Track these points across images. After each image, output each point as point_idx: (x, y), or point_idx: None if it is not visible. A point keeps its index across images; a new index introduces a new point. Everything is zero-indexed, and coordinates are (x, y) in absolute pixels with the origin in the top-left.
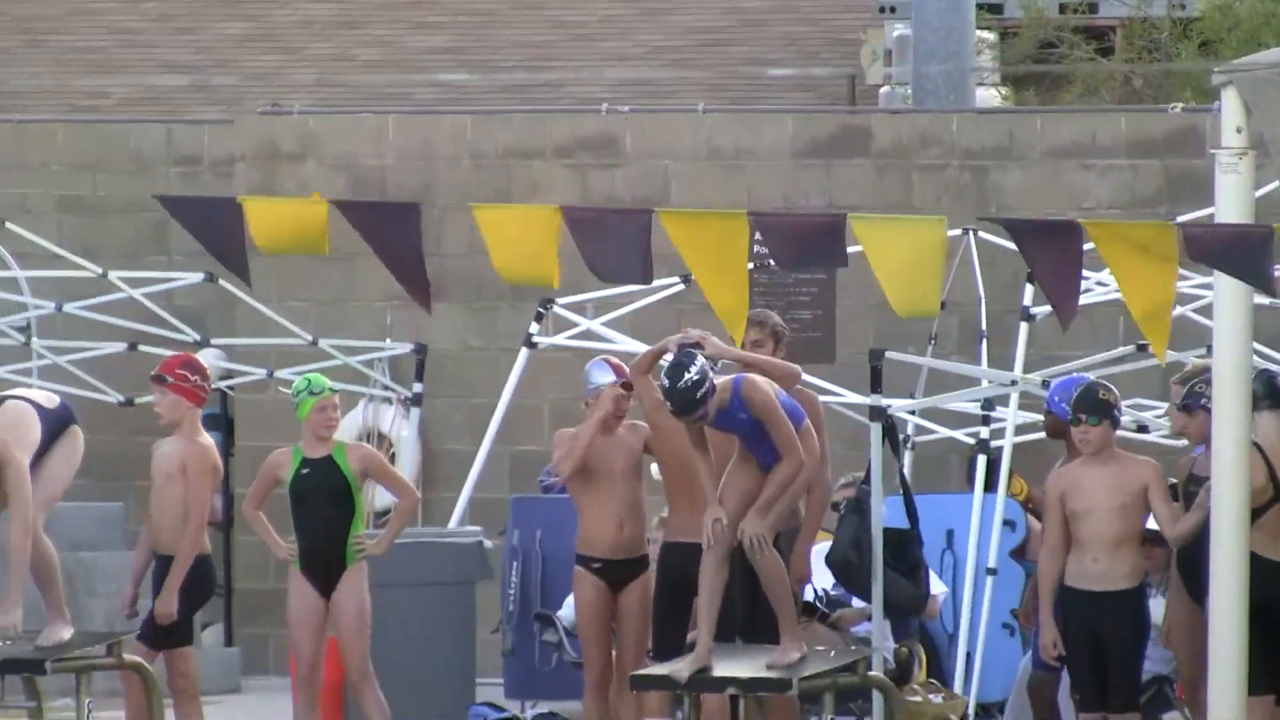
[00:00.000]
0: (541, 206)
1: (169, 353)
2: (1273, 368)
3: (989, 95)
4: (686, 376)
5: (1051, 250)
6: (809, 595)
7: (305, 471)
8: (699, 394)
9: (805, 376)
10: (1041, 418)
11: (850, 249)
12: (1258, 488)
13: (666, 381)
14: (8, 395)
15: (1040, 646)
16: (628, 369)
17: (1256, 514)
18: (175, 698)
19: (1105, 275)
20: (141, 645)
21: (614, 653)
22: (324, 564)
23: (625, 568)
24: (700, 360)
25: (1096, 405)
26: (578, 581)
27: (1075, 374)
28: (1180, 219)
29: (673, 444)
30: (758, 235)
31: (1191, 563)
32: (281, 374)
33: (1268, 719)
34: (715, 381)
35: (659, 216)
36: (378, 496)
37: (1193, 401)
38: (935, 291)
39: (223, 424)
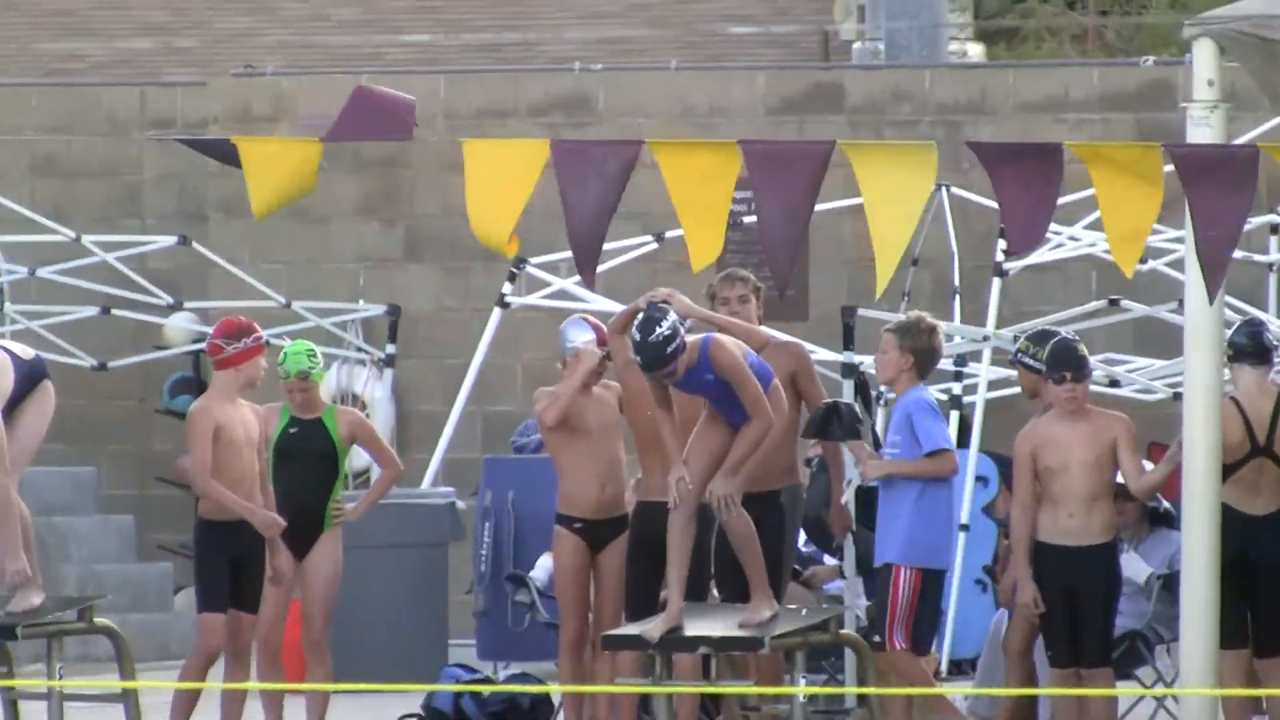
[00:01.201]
0: (531, 141)
1: (142, 317)
2: (1258, 318)
3: (973, 51)
4: (658, 331)
5: (1028, 174)
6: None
7: (293, 431)
8: (669, 349)
9: (777, 334)
10: (1014, 374)
11: (824, 205)
12: (1235, 443)
13: (638, 335)
14: None
15: (1020, 604)
16: (604, 328)
17: (1232, 469)
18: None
19: (1078, 230)
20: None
21: (590, 614)
22: (301, 526)
23: (606, 527)
24: (672, 316)
25: (1080, 361)
26: (558, 541)
27: (1045, 329)
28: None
29: (644, 403)
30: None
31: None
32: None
33: (1241, 672)
34: (686, 339)
35: (649, 147)
36: (355, 455)
37: (1015, 359)
38: (915, 220)
39: (196, 387)
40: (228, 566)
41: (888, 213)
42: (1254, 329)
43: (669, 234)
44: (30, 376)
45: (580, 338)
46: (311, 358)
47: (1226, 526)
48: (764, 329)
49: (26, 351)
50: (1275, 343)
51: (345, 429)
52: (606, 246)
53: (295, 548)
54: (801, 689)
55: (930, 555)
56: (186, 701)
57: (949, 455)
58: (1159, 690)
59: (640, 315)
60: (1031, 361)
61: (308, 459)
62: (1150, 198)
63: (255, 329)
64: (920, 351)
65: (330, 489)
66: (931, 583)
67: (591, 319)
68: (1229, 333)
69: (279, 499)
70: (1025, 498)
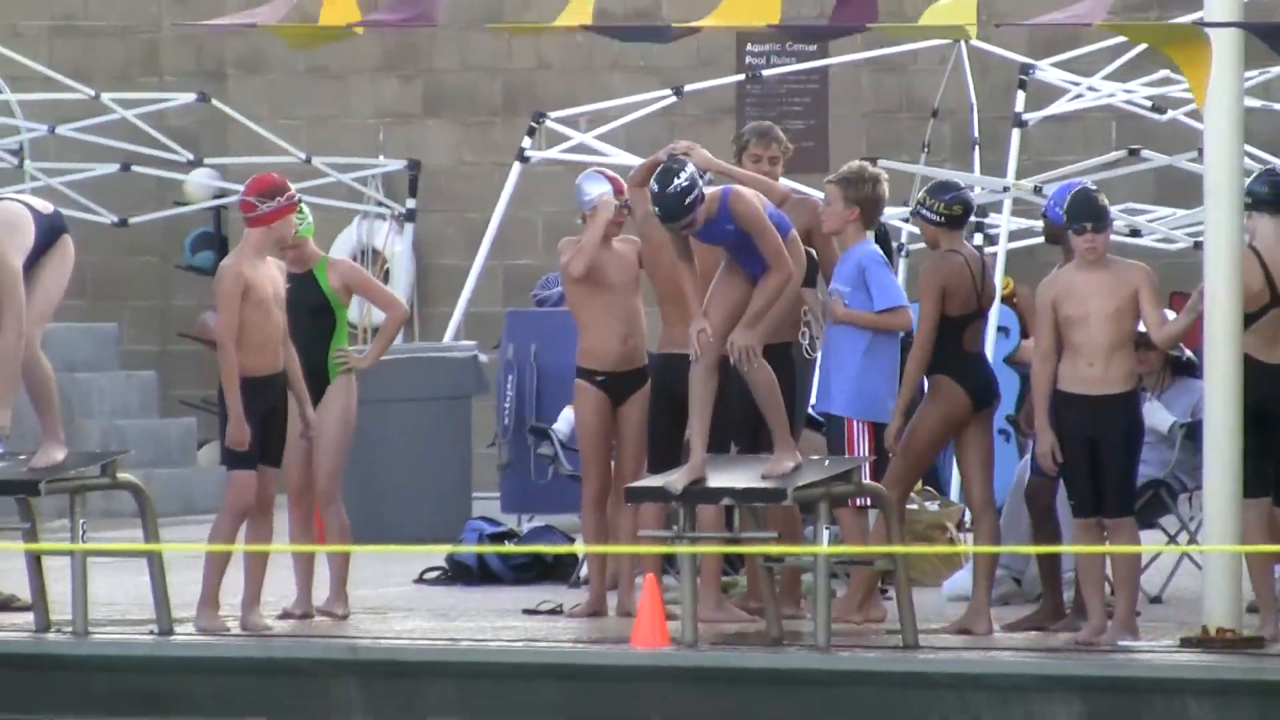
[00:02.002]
0: None
1: (162, 173)
2: (1278, 167)
3: None
4: (676, 182)
5: None
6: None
7: (287, 286)
8: (688, 200)
9: (801, 187)
10: (1038, 223)
11: (841, 58)
12: (1255, 292)
13: (656, 187)
14: (2, 197)
15: (1038, 455)
16: (622, 181)
17: (1252, 318)
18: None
19: (1097, 80)
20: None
21: (612, 465)
22: (307, 377)
23: (628, 380)
24: (690, 167)
25: (1100, 211)
26: (579, 395)
27: (1070, 180)
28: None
29: (664, 256)
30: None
31: None
32: None
33: (1263, 521)
34: (704, 191)
35: None
36: (372, 312)
37: (913, 210)
38: None
39: (217, 243)
40: (259, 421)
41: None
42: (1274, 177)
43: (688, 87)
44: (50, 231)
45: (596, 190)
46: (299, 216)
47: (1247, 376)
48: (783, 183)
49: (45, 206)
50: None
51: (336, 279)
52: (625, 100)
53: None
54: (825, 549)
55: (876, 408)
56: (220, 559)
57: (905, 311)
58: (1181, 546)
59: (659, 167)
60: (929, 214)
61: (303, 312)
62: None
63: (287, 187)
64: (865, 201)
65: (328, 341)
66: (879, 435)
67: (608, 172)
68: (1249, 181)
69: None
70: (1046, 347)
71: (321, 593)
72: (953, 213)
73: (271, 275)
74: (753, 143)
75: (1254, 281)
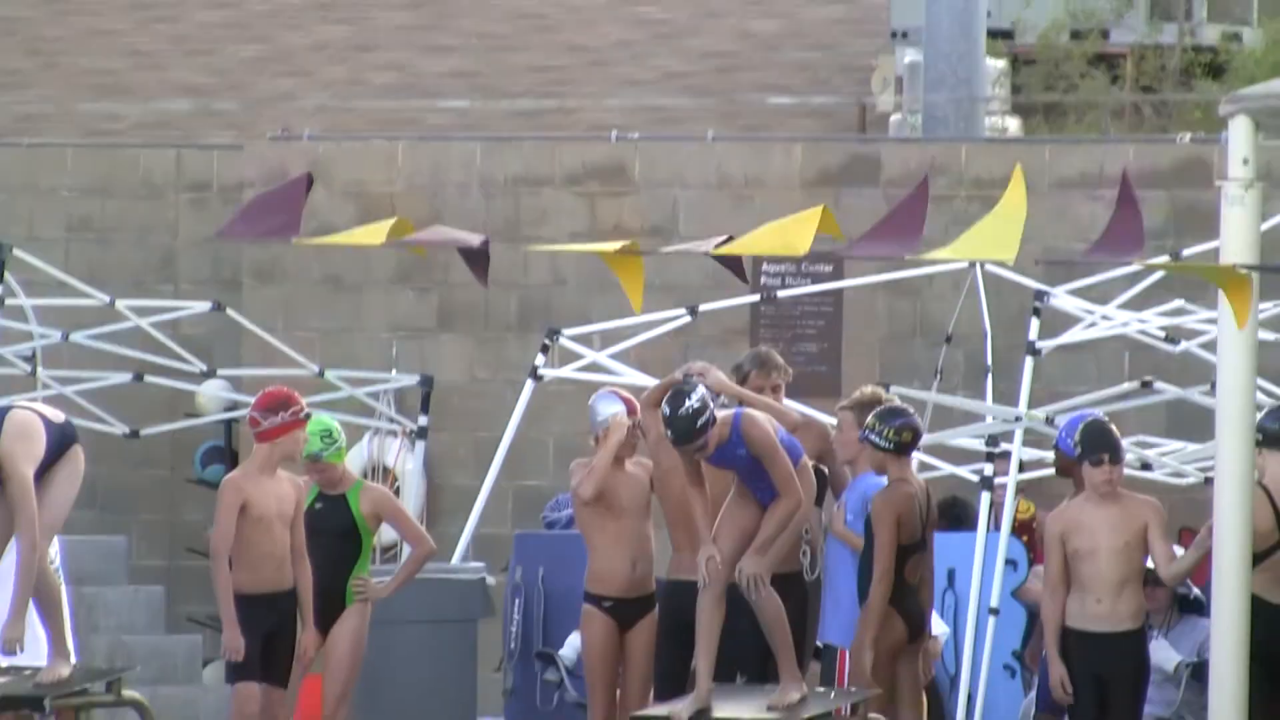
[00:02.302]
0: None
1: (174, 384)
2: None
3: (1011, 125)
4: (687, 404)
5: None
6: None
7: (318, 506)
8: (699, 423)
9: (810, 411)
10: (1049, 454)
11: (856, 280)
12: (1264, 530)
13: (667, 410)
14: (15, 405)
15: (1050, 686)
16: (636, 402)
17: (1260, 557)
18: None
19: (1110, 309)
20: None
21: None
22: (323, 602)
23: (636, 606)
24: (702, 390)
25: (1114, 444)
26: (587, 621)
27: (1083, 411)
28: (1185, 252)
29: (675, 480)
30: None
31: None
32: None
33: None
34: (716, 414)
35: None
36: (383, 530)
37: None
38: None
39: (227, 456)
40: (260, 638)
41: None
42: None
43: (703, 307)
44: (61, 440)
45: (609, 410)
46: (326, 439)
47: (1254, 616)
48: (792, 407)
49: (57, 415)
50: None
51: (368, 506)
52: (638, 320)
53: (319, 624)
54: None
55: None
56: None
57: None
58: None
59: (671, 390)
60: (877, 439)
61: (330, 536)
62: None
63: (295, 401)
64: None
65: (351, 566)
66: None
67: (622, 392)
68: (1259, 417)
69: None
70: (1055, 580)
71: None
72: (901, 439)
73: (280, 493)
74: (754, 373)
75: (1263, 521)
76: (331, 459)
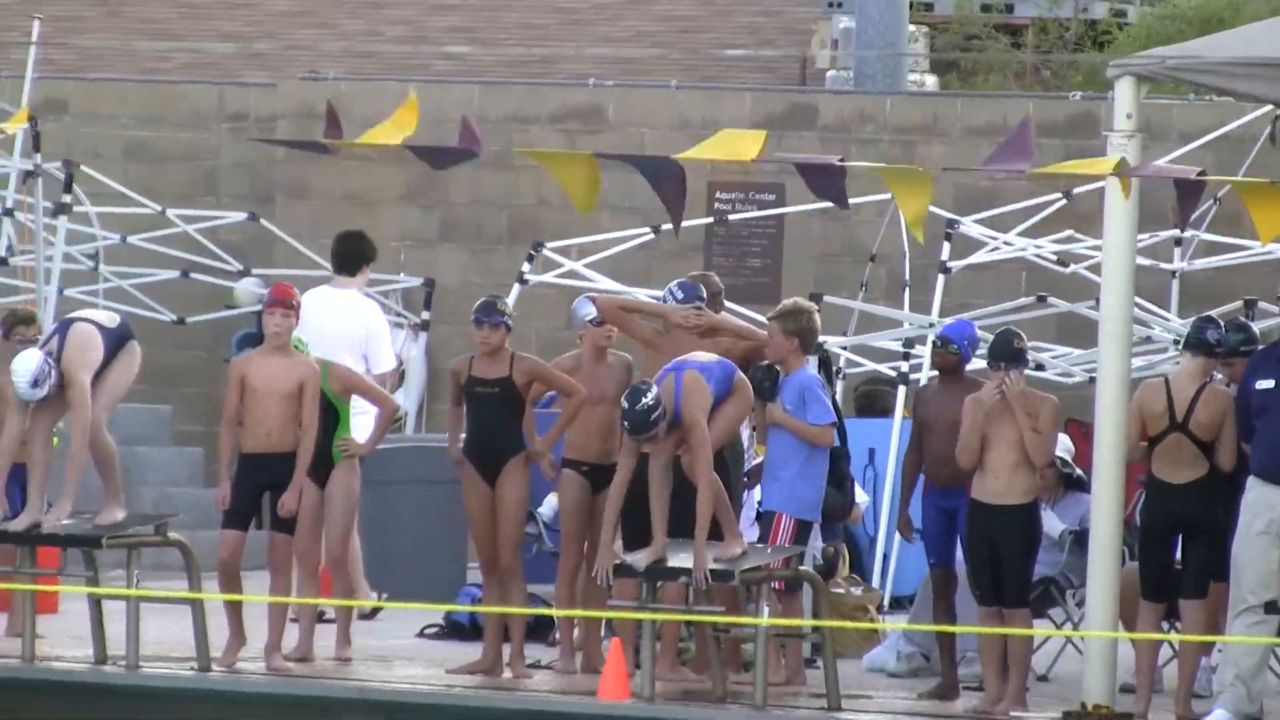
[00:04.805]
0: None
1: (215, 280)
2: (1209, 316)
3: (929, 81)
4: (643, 401)
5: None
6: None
7: None
8: (652, 417)
9: (754, 315)
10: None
11: (795, 207)
12: (1157, 412)
13: (625, 404)
14: (76, 318)
15: (898, 524)
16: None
17: (1155, 441)
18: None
19: (1012, 236)
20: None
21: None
22: (316, 461)
23: (606, 472)
24: (655, 390)
25: (1014, 352)
26: (566, 483)
27: (961, 318)
28: (1076, 191)
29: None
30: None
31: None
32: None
33: (1156, 621)
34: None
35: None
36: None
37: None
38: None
39: (258, 342)
40: (256, 491)
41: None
42: (1201, 325)
43: (664, 226)
44: (118, 340)
45: (584, 311)
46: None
47: (1155, 495)
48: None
49: (112, 319)
50: (1217, 339)
51: (336, 384)
52: (610, 235)
53: (315, 479)
54: (764, 619)
55: (807, 509)
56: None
57: (831, 430)
58: (1066, 631)
59: (629, 388)
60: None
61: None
62: None
63: (272, 295)
64: (802, 332)
65: (333, 432)
66: (803, 530)
67: (597, 297)
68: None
69: None
70: (970, 445)
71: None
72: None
73: (274, 370)
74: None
75: (1157, 403)
76: (300, 347)
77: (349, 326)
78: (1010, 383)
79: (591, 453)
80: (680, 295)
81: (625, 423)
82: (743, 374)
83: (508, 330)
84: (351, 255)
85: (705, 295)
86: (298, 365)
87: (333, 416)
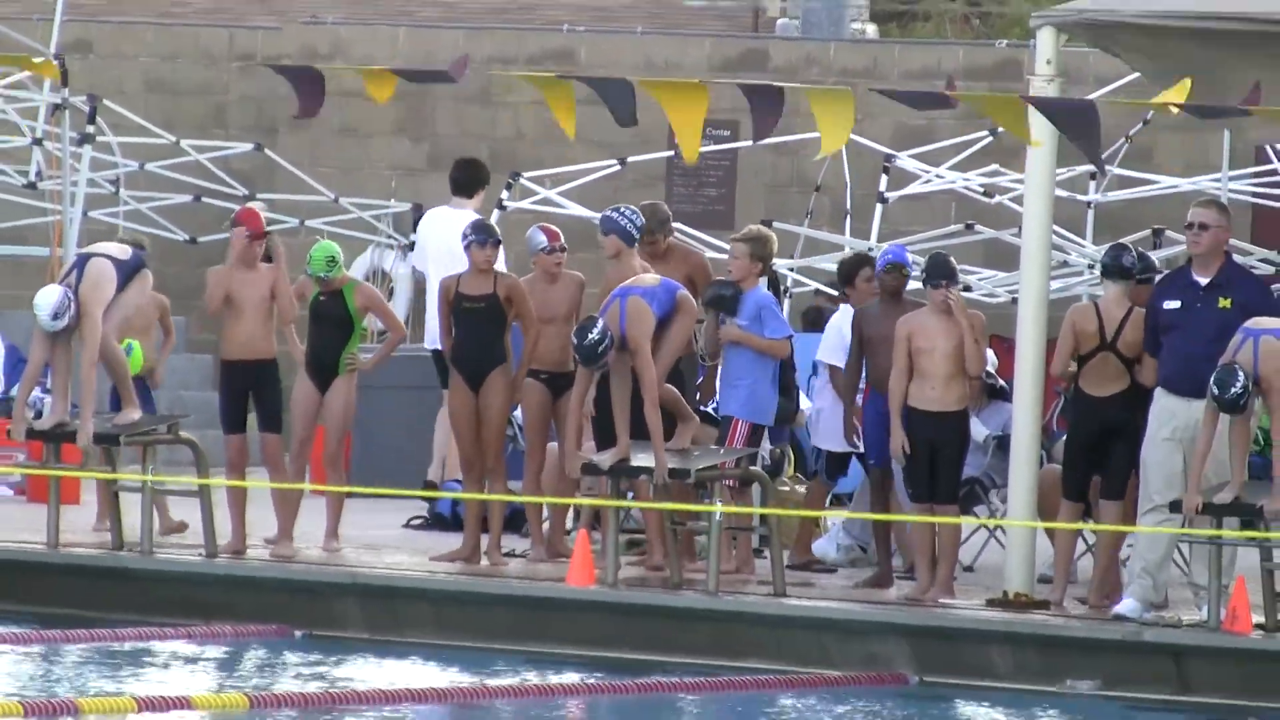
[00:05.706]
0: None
1: (224, 204)
2: (1124, 243)
3: (870, 29)
4: (591, 336)
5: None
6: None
7: (321, 299)
8: (600, 349)
9: (711, 239)
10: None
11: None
12: (1089, 332)
13: (575, 339)
14: (93, 252)
15: (891, 449)
16: (558, 232)
17: (1085, 359)
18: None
19: (943, 170)
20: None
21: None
22: (323, 369)
23: (565, 380)
24: (601, 323)
25: (951, 272)
26: (528, 391)
27: (896, 243)
28: (1000, 130)
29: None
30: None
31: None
32: (311, 223)
33: (1073, 519)
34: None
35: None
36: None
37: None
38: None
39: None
40: (241, 396)
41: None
42: (1116, 253)
43: (630, 159)
44: (131, 271)
45: (537, 240)
46: (330, 265)
47: (1083, 407)
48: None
49: (124, 251)
50: (1131, 263)
51: (361, 301)
52: (579, 166)
53: (318, 383)
54: (717, 508)
55: (761, 414)
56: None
57: (787, 343)
58: (991, 520)
59: (578, 325)
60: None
61: (329, 322)
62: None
63: (239, 220)
64: (764, 257)
65: (344, 345)
66: (755, 434)
67: (549, 226)
68: (1098, 254)
69: (310, 350)
70: (902, 368)
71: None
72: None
73: (245, 283)
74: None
75: (1089, 323)
76: (333, 275)
77: None
78: (955, 297)
79: (549, 362)
80: (541, 242)
81: (576, 355)
82: (686, 291)
83: (496, 249)
84: (469, 180)
85: (561, 242)
86: (273, 276)
87: (348, 330)
